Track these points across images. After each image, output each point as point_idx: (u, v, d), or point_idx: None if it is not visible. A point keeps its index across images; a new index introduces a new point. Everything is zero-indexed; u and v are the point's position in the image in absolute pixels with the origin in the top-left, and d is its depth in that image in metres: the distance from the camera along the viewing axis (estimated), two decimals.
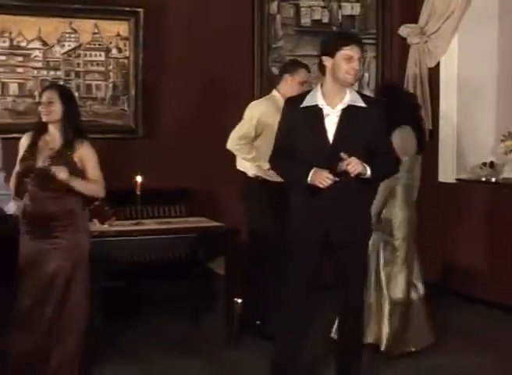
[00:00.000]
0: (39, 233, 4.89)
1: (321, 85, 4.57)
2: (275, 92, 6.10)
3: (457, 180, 7.38)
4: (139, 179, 5.87)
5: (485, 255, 7.02)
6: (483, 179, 7.09)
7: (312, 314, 4.83)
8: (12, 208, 5.22)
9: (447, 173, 7.48)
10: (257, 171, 5.85)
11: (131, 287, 6.62)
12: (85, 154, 4.95)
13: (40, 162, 4.88)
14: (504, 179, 6.94)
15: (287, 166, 4.66)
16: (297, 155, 4.55)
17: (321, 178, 4.33)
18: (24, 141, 5.03)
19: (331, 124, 4.47)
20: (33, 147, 4.95)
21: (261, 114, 5.78)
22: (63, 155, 4.89)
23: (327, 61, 4.47)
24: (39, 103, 5.03)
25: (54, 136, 4.95)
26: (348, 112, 4.49)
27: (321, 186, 4.34)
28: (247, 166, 5.98)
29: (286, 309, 4.78)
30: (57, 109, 4.90)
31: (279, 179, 4.99)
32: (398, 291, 5.57)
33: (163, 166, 6.86)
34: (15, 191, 5.02)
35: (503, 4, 7.24)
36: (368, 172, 4.38)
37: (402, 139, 5.43)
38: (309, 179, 4.36)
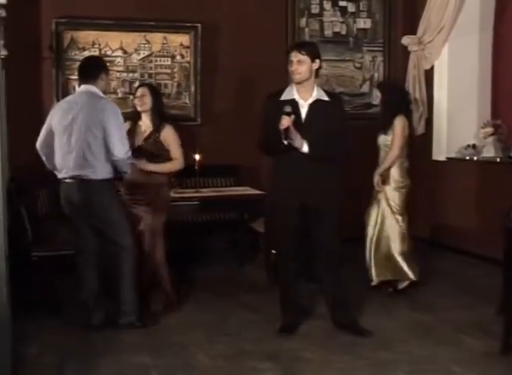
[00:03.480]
0: (134, 197, 5.55)
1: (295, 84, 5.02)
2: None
3: (447, 158, 8.00)
4: (197, 157, 6.42)
5: (469, 216, 7.56)
6: (467, 157, 7.69)
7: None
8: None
9: (440, 153, 8.11)
10: None
11: (191, 241, 7.19)
12: (167, 135, 5.56)
13: (136, 143, 5.55)
14: (483, 157, 7.53)
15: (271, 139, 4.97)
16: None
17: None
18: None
19: (304, 112, 4.97)
20: (130, 132, 5.52)
21: None
22: (152, 137, 5.56)
23: None
24: (134, 97, 5.69)
25: (145, 122, 5.62)
26: (315, 104, 4.97)
27: (282, 126, 4.76)
28: None
29: (283, 260, 5.27)
30: (148, 101, 5.57)
31: None
32: None
33: (216, 146, 7.42)
34: None
35: (482, 21, 7.92)
36: (305, 148, 4.86)
37: (402, 125, 5.94)
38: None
